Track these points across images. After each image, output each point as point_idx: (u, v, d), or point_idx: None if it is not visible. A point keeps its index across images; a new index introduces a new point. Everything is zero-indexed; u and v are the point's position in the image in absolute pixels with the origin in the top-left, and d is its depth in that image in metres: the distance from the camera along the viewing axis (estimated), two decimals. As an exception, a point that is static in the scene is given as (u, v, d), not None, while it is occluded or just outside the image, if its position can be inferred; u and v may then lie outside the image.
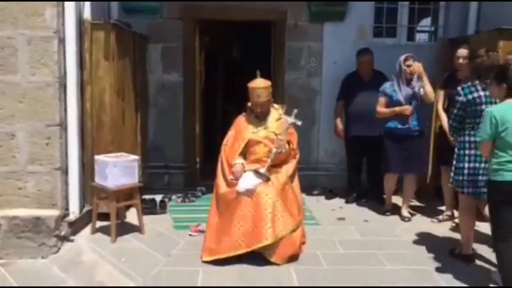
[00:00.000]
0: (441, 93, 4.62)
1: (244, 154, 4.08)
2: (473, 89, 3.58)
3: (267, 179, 3.82)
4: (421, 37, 6.44)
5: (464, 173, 3.60)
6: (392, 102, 4.73)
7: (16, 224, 3.79)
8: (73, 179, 4.13)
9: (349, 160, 5.57)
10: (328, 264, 3.72)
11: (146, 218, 4.44)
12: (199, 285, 3.37)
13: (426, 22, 6.36)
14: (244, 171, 3.91)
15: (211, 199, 4.03)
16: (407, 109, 4.63)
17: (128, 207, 4.56)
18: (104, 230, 4.19)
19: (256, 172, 3.86)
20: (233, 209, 3.74)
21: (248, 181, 3.79)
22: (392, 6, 5.93)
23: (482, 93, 3.55)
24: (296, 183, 4.14)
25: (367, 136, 5.10)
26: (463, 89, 3.62)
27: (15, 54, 3.87)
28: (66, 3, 3.96)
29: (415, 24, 6.13)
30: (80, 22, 4.17)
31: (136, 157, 4.29)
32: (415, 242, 4.20)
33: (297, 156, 4.17)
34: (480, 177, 3.52)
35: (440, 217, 4.75)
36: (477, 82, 3.59)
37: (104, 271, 3.56)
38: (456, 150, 3.72)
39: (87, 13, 4.25)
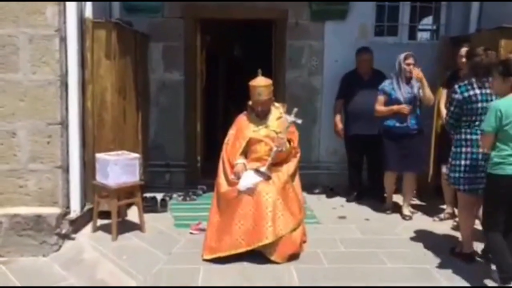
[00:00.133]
0: (444, 92, 4.61)
1: (245, 153, 4.08)
2: (469, 87, 3.60)
3: (268, 178, 3.82)
4: (422, 36, 6.43)
5: (461, 170, 3.62)
6: (391, 100, 4.73)
7: (17, 222, 3.80)
8: (74, 177, 4.14)
9: (349, 159, 5.57)
10: (329, 262, 3.72)
11: (147, 216, 4.45)
12: (199, 283, 3.37)
13: (427, 20, 6.34)
14: (246, 170, 3.92)
15: (212, 198, 4.03)
16: (405, 108, 4.63)
17: (129, 205, 4.57)
18: (105, 228, 4.19)
19: (257, 171, 3.86)
20: (234, 207, 3.74)
21: (248, 179, 3.79)
22: (393, 4, 5.92)
23: (478, 91, 3.57)
24: (297, 182, 4.14)
25: (366, 134, 5.10)
26: (459, 87, 3.65)
27: (16, 53, 3.87)
28: (67, 1, 3.96)
29: (417, 23, 6.12)
30: (81, 20, 4.18)
31: (137, 155, 4.30)
32: (416, 240, 4.20)
33: (298, 154, 4.17)
34: (477, 174, 3.55)
35: (442, 215, 4.75)
36: (473, 80, 3.62)
37: (105, 269, 3.57)
38: (452, 148, 3.74)
39: (88, 12, 4.26)
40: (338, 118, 5.45)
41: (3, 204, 3.93)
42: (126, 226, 4.33)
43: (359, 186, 5.53)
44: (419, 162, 4.77)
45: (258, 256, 3.65)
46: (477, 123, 3.57)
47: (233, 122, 4.27)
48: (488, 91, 3.56)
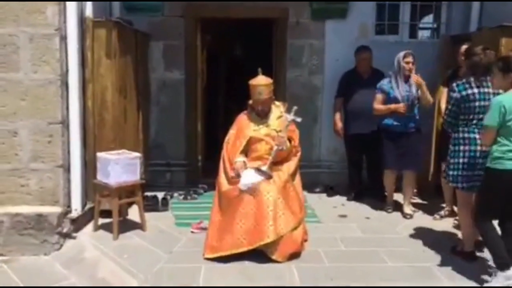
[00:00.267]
0: (444, 91, 4.62)
1: (245, 152, 4.09)
2: (467, 85, 3.63)
3: (268, 177, 3.82)
4: (423, 34, 6.42)
5: (459, 168, 3.66)
6: (389, 99, 4.75)
7: (18, 221, 3.81)
8: (75, 176, 4.14)
9: (349, 158, 5.57)
10: (330, 261, 3.72)
11: (148, 215, 4.45)
12: (201, 282, 3.37)
13: (428, 19, 6.34)
14: (246, 169, 3.92)
15: (213, 197, 4.03)
16: (402, 107, 4.64)
17: (130, 204, 4.57)
18: (106, 227, 4.20)
19: (258, 169, 3.86)
20: (235, 207, 3.74)
21: (249, 178, 3.79)
22: (394, 3, 5.92)
23: (476, 90, 3.60)
24: (297, 180, 4.14)
25: (366, 133, 5.10)
26: (457, 85, 3.67)
27: (17, 52, 3.87)
28: (67, 1, 3.95)
29: (418, 21, 6.12)
30: (81, 19, 4.18)
31: (138, 154, 4.30)
32: (417, 239, 4.20)
33: (299, 153, 4.17)
34: (474, 172, 3.58)
35: (442, 212, 4.77)
36: (472, 79, 3.64)
37: (106, 268, 3.57)
38: (450, 146, 3.77)
39: (88, 11, 4.25)
40: (337, 117, 5.45)
41: (5, 203, 3.93)
42: (127, 225, 4.33)
43: (359, 185, 5.53)
44: (417, 160, 4.78)
45: (259, 255, 3.66)
46: (474, 121, 3.60)
47: (233, 121, 4.27)
48: (486, 90, 3.59)
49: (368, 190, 5.47)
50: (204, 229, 4.11)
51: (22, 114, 3.92)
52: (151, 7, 5.63)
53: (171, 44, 5.78)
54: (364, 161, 5.53)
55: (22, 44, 3.87)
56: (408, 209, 4.87)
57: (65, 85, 4.02)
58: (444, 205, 4.83)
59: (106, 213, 4.21)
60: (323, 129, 5.93)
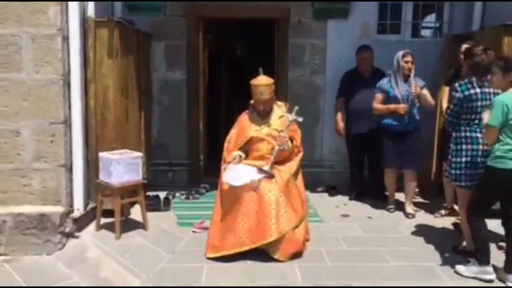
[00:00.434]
0: (446, 90, 4.61)
1: (247, 151, 4.09)
2: (469, 85, 3.66)
3: (270, 176, 3.82)
4: (426, 34, 6.41)
5: (462, 167, 3.68)
6: (389, 98, 4.75)
7: (21, 220, 3.82)
8: (78, 176, 4.15)
9: (350, 157, 5.57)
10: (332, 261, 3.72)
11: (150, 215, 4.46)
12: (203, 281, 3.37)
13: (430, 18, 6.32)
14: (241, 161, 3.92)
15: (215, 196, 4.03)
16: (402, 108, 4.65)
17: (132, 204, 4.57)
18: (109, 227, 4.20)
19: (260, 169, 3.86)
20: (237, 206, 3.74)
21: (244, 175, 3.78)
22: (396, 2, 5.91)
23: (478, 90, 3.63)
24: (300, 180, 4.14)
25: (368, 133, 5.10)
26: (460, 85, 3.70)
27: (19, 52, 3.88)
28: (69, 1, 3.96)
29: (420, 21, 6.10)
30: (83, 20, 4.18)
31: (140, 154, 4.30)
32: (419, 239, 4.20)
33: (301, 153, 4.17)
34: (476, 171, 3.60)
35: (442, 211, 4.77)
36: (474, 79, 3.67)
37: (108, 268, 3.58)
38: (452, 145, 3.80)
39: (90, 11, 4.26)
40: (339, 117, 5.45)
41: (7, 203, 3.94)
42: (129, 225, 4.34)
43: (361, 185, 5.52)
44: (416, 159, 4.79)
45: (261, 254, 3.66)
46: (476, 121, 3.63)
47: (235, 121, 4.27)
48: (487, 90, 3.62)
49: (369, 190, 5.46)
50: (206, 228, 4.11)
51: (24, 114, 3.93)
52: (153, 7, 5.64)
53: (173, 44, 5.78)
54: (366, 160, 5.53)
55: (25, 44, 3.88)
56: (410, 208, 4.86)
57: (67, 85, 4.03)
58: (446, 204, 4.82)
59: (108, 213, 4.22)
60: (325, 129, 5.92)
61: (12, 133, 3.94)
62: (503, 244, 3.67)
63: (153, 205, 4.87)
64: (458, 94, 3.67)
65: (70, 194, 4.11)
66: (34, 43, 3.88)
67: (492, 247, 3.85)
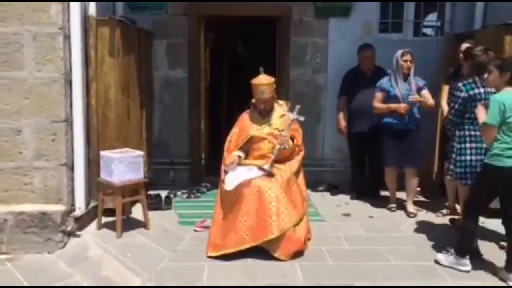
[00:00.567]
0: (446, 88, 4.63)
1: (247, 151, 4.09)
2: (473, 85, 3.73)
3: (270, 175, 3.82)
4: (427, 32, 6.39)
5: (467, 165, 3.75)
6: (389, 97, 4.76)
7: (22, 219, 3.82)
8: (79, 174, 4.15)
9: (352, 156, 5.56)
10: (333, 260, 3.72)
11: (152, 214, 4.46)
12: (204, 280, 3.38)
13: (432, 17, 6.31)
14: (239, 164, 3.92)
15: (216, 195, 4.04)
16: (403, 108, 4.66)
17: (133, 202, 4.57)
18: (110, 226, 4.21)
19: (260, 168, 3.86)
20: (238, 204, 3.75)
21: (235, 177, 3.79)
22: (398, 1, 5.90)
23: (482, 90, 3.70)
24: (301, 179, 4.14)
25: (369, 131, 5.10)
26: (464, 85, 3.76)
27: (21, 50, 3.88)
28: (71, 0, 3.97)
29: (421, 19, 6.09)
30: (85, 18, 4.18)
31: (141, 152, 4.30)
32: (420, 238, 4.19)
33: (302, 152, 4.17)
34: (480, 169, 3.64)
35: (444, 211, 4.77)
36: (477, 79, 3.73)
37: (109, 266, 3.58)
38: (456, 144, 3.86)
39: (92, 10, 4.26)
40: (341, 116, 5.44)
41: (9, 202, 3.94)
42: (130, 224, 4.34)
43: (362, 184, 5.51)
44: (416, 158, 4.80)
45: (262, 253, 3.66)
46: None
47: (236, 119, 4.27)
48: (490, 89, 3.65)
49: (368, 189, 5.45)
50: (207, 227, 4.11)
51: (26, 112, 3.93)
52: (154, 6, 5.64)
53: (175, 42, 5.78)
54: (367, 159, 5.52)
55: (26, 42, 3.87)
56: (411, 207, 4.86)
57: (68, 83, 4.03)
58: (447, 203, 4.82)
59: (110, 212, 4.22)
60: (326, 128, 5.92)
61: (13, 132, 3.94)
62: (504, 243, 3.67)
63: (155, 204, 4.88)
64: (463, 94, 3.72)
65: (72, 192, 4.11)
66: (36, 42, 3.88)
67: (494, 246, 3.90)
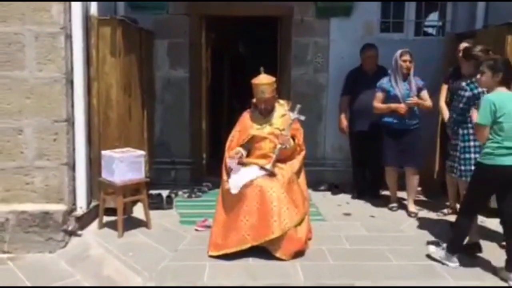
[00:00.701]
0: (444, 87, 4.64)
1: (249, 150, 4.09)
2: (477, 84, 3.74)
3: (272, 175, 3.82)
4: (428, 32, 6.39)
5: (471, 163, 3.81)
6: (390, 97, 4.77)
7: (24, 218, 3.83)
8: (80, 174, 4.16)
9: (353, 156, 5.56)
10: (334, 259, 3.72)
11: (153, 213, 4.46)
12: (205, 280, 3.38)
13: (433, 17, 6.30)
14: (242, 163, 3.92)
15: (218, 195, 4.04)
16: (403, 108, 4.66)
17: (135, 202, 4.58)
18: (111, 225, 4.21)
19: (261, 168, 3.86)
20: (239, 204, 3.75)
21: (240, 178, 3.79)
22: (399, 0, 5.89)
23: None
24: (302, 178, 4.14)
25: (370, 131, 5.10)
26: (468, 84, 3.82)
27: (22, 50, 3.89)
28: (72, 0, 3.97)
29: (423, 19, 6.09)
30: (86, 18, 4.19)
31: (142, 152, 4.31)
32: (421, 237, 4.18)
33: (303, 152, 4.17)
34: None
35: (445, 210, 4.78)
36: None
37: (111, 266, 3.58)
38: (460, 142, 3.93)
39: (93, 9, 4.26)
40: (343, 115, 5.44)
41: (10, 201, 3.95)
42: (132, 223, 4.35)
43: (363, 184, 5.51)
44: (416, 157, 4.80)
45: (263, 253, 3.66)
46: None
47: (237, 119, 4.27)
48: None
49: (368, 189, 5.45)
50: (209, 227, 4.12)
51: (27, 112, 3.94)
52: (155, 5, 5.64)
53: (176, 42, 5.78)
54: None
55: (28, 42, 3.88)
56: (412, 207, 4.86)
57: (70, 83, 4.04)
58: (448, 203, 4.82)
59: (111, 211, 4.23)
60: (327, 127, 5.92)
61: (15, 131, 3.95)
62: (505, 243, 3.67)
63: (156, 203, 4.88)
64: (468, 93, 3.77)
65: (73, 192, 4.12)
66: (37, 41, 3.89)
67: (494, 246, 3.89)
